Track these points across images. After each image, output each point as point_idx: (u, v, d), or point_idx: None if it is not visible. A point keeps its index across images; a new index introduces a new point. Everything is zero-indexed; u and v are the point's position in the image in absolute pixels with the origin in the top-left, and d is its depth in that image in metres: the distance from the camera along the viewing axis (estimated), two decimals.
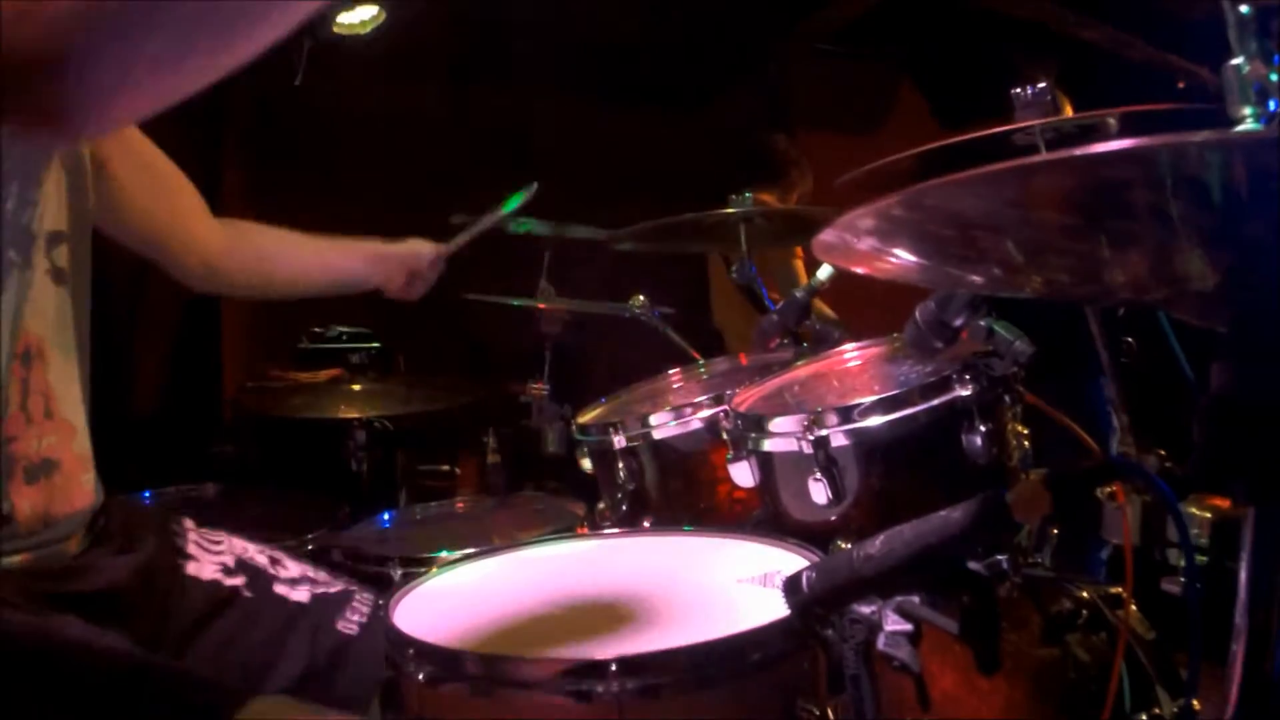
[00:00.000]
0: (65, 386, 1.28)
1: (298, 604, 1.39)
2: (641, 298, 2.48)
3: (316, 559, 1.51)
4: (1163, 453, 1.45)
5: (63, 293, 1.28)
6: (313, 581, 1.45)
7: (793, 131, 5.10)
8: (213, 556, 1.38)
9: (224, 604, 1.34)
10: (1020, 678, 1.42)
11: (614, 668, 0.96)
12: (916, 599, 0.99)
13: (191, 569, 1.35)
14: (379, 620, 1.42)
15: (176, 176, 1.63)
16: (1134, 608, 1.47)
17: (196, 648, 1.30)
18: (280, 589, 1.40)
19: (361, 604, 1.45)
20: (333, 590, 1.45)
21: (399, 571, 1.86)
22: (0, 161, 1.18)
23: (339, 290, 1.89)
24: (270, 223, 1.83)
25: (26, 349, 1.22)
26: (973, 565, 0.99)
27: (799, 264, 3.51)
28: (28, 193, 1.22)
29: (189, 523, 1.43)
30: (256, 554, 1.43)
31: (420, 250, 1.91)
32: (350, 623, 1.41)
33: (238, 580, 1.37)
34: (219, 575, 1.37)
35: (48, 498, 1.22)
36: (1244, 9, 0.75)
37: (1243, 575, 0.82)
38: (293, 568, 1.45)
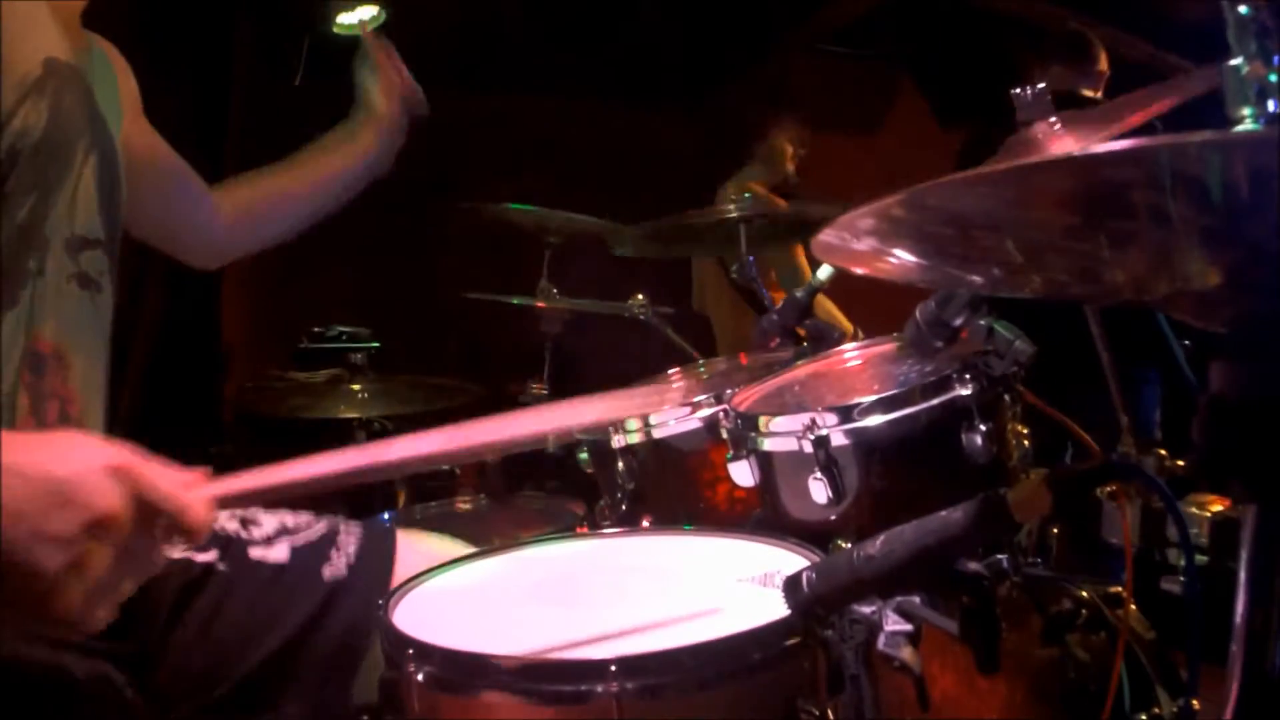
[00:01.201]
0: (89, 393, 1.27)
1: (277, 565, 1.36)
2: (641, 298, 2.48)
3: (297, 509, 1.46)
4: (1163, 452, 1.45)
5: (87, 297, 1.27)
6: (291, 532, 1.40)
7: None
8: None
9: (200, 582, 1.32)
10: (1020, 678, 1.42)
11: (613, 667, 0.96)
12: (916, 599, 0.99)
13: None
14: (368, 554, 1.40)
15: (183, 167, 1.62)
16: (1134, 608, 1.47)
17: (179, 630, 1.29)
18: (256, 552, 1.36)
19: (347, 540, 1.41)
20: (314, 536, 1.41)
21: None
22: (18, 175, 1.17)
23: (351, 194, 1.79)
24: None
25: (37, 354, 1.21)
26: (973, 565, 0.99)
27: (802, 259, 3.51)
28: (50, 197, 1.21)
29: None
30: (226, 520, 1.38)
31: (386, 114, 1.80)
32: (337, 565, 1.38)
33: (210, 555, 1.34)
34: (190, 552, 1.33)
35: None
36: (1244, 9, 0.75)
37: (1243, 575, 0.82)
38: (268, 523, 1.41)
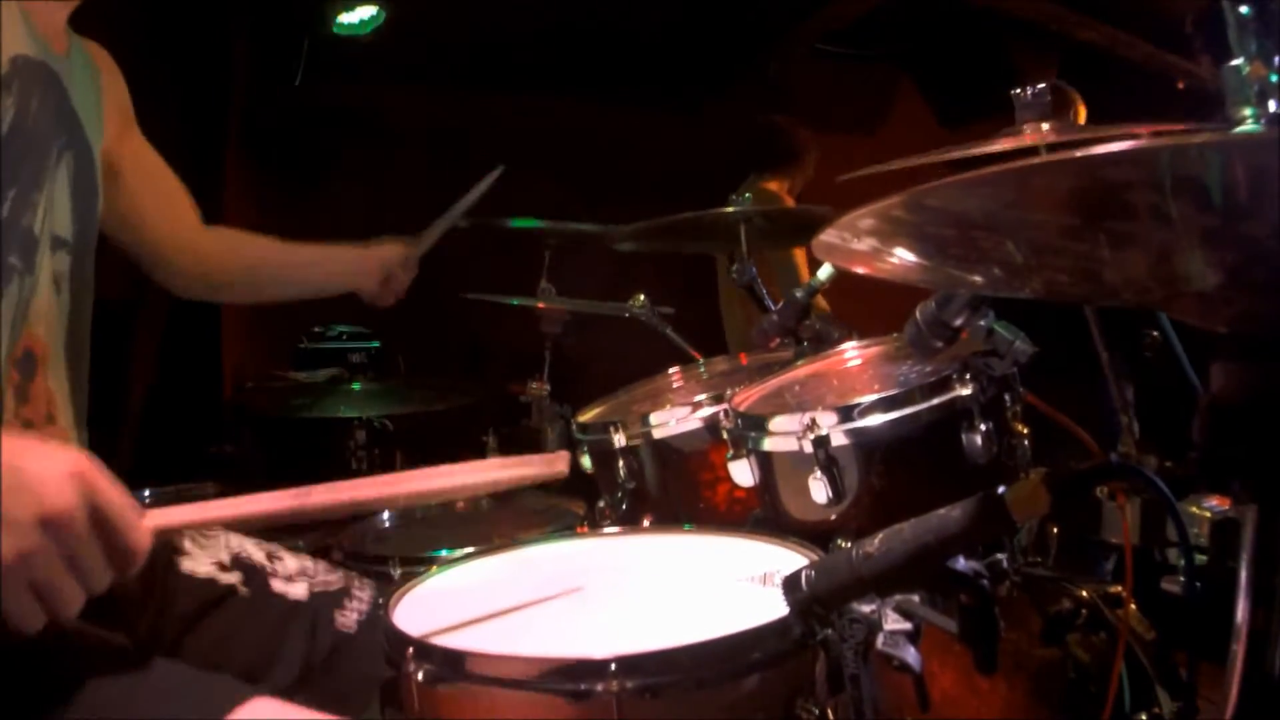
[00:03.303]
0: (65, 394, 1.28)
1: (296, 601, 1.38)
2: (641, 298, 2.48)
3: (316, 559, 1.50)
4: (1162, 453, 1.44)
5: (62, 299, 1.27)
6: (311, 577, 1.43)
7: None
8: (207, 553, 1.38)
9: (220, 600, 1.33)
10: (1020, 678, 1.42)
11: (613, 666, 0.96)
12: (916, 598, 0.99)
13: (186, 565, 1.35)
14: (379, 615, 1.42)
15: (176, 186, 1.64)
16: (1134, 608, 1.47)
17: (192, 644, 1.29)
18: (278, 585, 1.39)
19: (361, 599, 1.44)
20: (332, 586, 1.43)
21: (399, 571, 1.85)
22: None
23: (320, 296, 1.91)
24: (271, 221, 1.85)
25: (29, 353, 1.22)
26: (972, 565, 0.99)
27: (800, 259, 3.52)
28: (28, 195, 1.21)
29: None
30: (253, 550, 1.42)
31: (392, 253, 1.90)
32: (349, 619, 1.40)
33: (233, 577, 1.36)
34: (214, 571, 1.36)
35: None
36: (1244, 9, 0.75)
37: (1243, 575, 0.82)
38: (290, 563, 1.44)
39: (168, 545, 1.36)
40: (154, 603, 1.29)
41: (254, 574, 1.38)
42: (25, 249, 1.21)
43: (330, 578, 1.45)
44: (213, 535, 1.42)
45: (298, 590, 1.40)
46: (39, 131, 1.23)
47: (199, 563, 1.36)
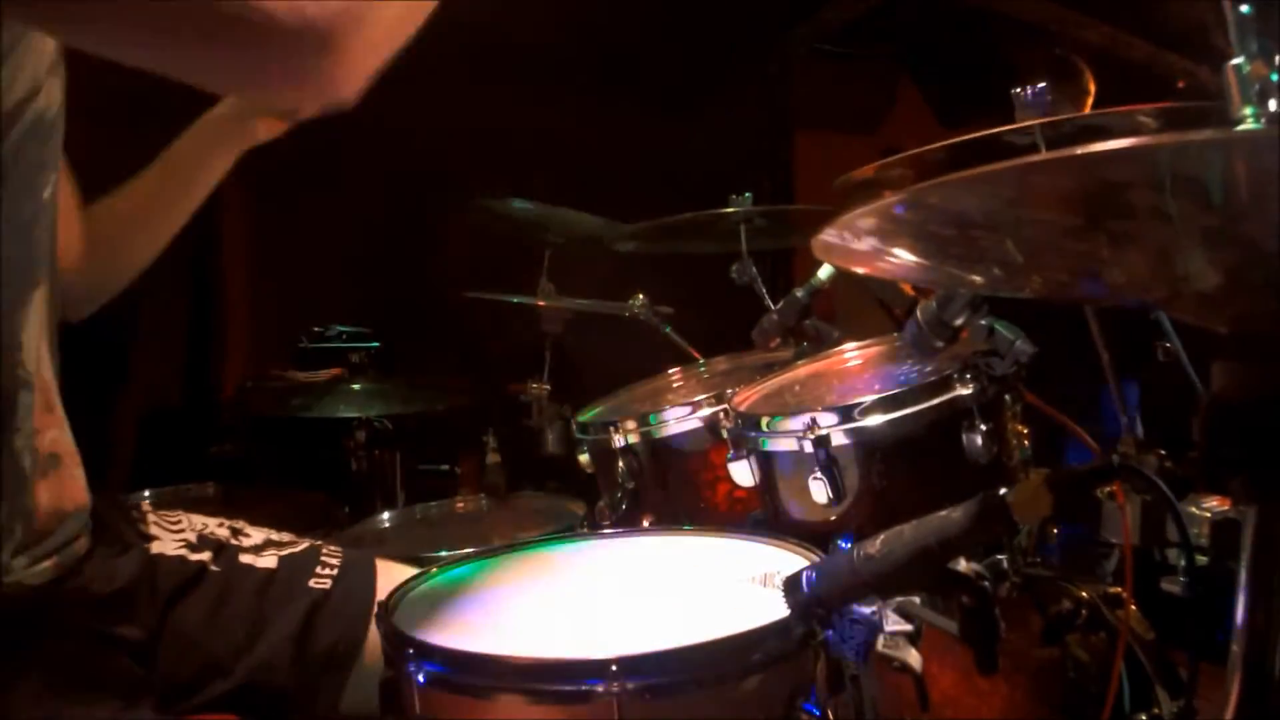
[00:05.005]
0: (56, 380, 1.29)
1: (266, 570, 1.39)
2: (641, 297, 2.48)
3: (280, 531, 1.51)
4: (1163, 453, 1.45)
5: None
6: (277, 544, 1.44)
7: (792, 131, 5.10)
8: (173, 535, 1.38)
9: (193, 580, 1.34)
10: (1020, 678, 1.42)
11: (614, 667, 0.96)
12: (916, 599, 0.99)
13: (156, 548, 1.35)
14: (350, 571, 1.43)
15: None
16: (1134, 608, 1.47)
17: (173, 627, 1.30)
18: (246, 558, 1.40)
19: (330, 557, 1.45)
20: (299, 549, 1.45)
21: None
22: (48, 149, 1.17)
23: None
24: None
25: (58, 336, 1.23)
26: (973, 566, 0.99)
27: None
28: (52, 178, 1.21)
29: (146, 505, 1.43)
30: (216, 527, 1.43)
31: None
32: (322, 578, 1.41)
33: (203, 556, 1.37)
34: (183, 551, 1.36)
35: (58, 492, 1.22)
36: (1244, 9, 0.75)
37: (1243, 575, 0.82)
38: (255, 534, 1.45)
39: (138, 534, 1.36)
40: (143, 595, 1.29)
41: (222, 550, 1.39)
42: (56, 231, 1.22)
43: (298, 544, 1.46)
44: (176, 518, 1.42)
45: (267, 560, 1.41)
46: (62, 121, 1.24)
47: (166, 545, 1.36)
